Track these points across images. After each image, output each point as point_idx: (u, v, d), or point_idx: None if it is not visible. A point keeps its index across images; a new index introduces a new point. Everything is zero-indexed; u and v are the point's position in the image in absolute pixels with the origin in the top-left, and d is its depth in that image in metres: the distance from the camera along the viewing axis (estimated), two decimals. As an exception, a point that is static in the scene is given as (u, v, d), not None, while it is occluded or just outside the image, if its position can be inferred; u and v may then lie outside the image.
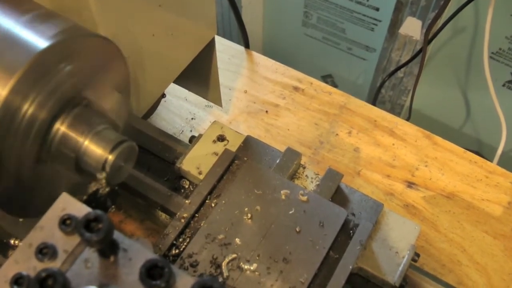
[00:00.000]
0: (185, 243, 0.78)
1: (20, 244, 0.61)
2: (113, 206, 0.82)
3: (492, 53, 1.47)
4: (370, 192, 1.13)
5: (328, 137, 1.22)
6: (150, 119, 1.23)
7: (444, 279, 1.03)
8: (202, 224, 0.79)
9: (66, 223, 0.61)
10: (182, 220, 0.79)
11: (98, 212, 0.55)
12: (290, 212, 0.79)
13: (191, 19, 1.00)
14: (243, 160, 0.85)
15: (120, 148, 0.70)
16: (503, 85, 1.52)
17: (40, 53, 0.63)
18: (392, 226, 0.83)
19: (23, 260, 0.60)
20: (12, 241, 0.77)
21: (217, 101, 1.23)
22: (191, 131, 1.23)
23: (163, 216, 0.94)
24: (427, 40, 1.35)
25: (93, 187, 0.75)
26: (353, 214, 0.82)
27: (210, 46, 1.10)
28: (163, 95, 1.22)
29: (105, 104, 0.74)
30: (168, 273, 0.54)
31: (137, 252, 0.59)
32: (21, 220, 0.75)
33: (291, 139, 1.22)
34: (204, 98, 1.25)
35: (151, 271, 0.55)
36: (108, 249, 0.59)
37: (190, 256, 0.76)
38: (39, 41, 0.64)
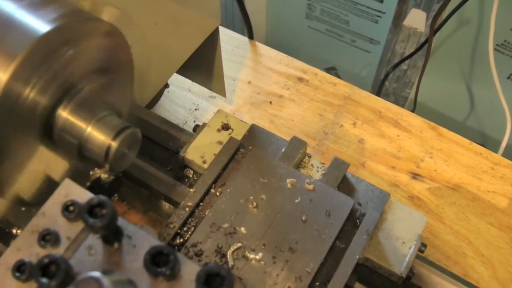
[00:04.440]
0: (189, 232, 0.77)
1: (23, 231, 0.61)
2: (115, 195, 0.81)
3: (497, 45, 1.46)
4: (375, 184, 1.11)
5: (332, 128, 1.21)
6: (154, 110, 1.22)
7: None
8: (206, 213, 0.78)
9: (69, 209, 0.60)
10: (187, 209, 0.78)
11: (102, 197, 0.54)
12: (296, 201, 0.78)
13: (195, 8, 0.99)
14: (248, 148, 0.84)
15: (124, 134, 0.69)
16: (508, 78, 1.51)
17: (41, 37, 0.62)
18: (399, 216, 0.82)
19: (25, 247, 0.59)
20: (14, 231, 0.76)
21: (221, 91, 1.22)
22: (194, 121, 1.22)
23: (166, 206, 0.93)
24: (433, 32, 1.34)
25: (95, 174, 0.74)
26: (359, 204, 0.81)
27: (214, 36, 1.09)
28: (166, 85, 1.22)
29: (108, 90, 0.73)
30: (173, 260, 0.53)
31: (142, 239, 0.58)
32: (23, 209, 0.74)
33: (295, 130, 1.21)
34: (208, 88, 1.24)
35: (155, 258, 0.54)
36: (112, 235, 0.58)
37: (194, 245, 0.75)
38: (40, 25, 0.63)
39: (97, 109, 0.70)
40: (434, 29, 1.33)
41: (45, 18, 0.64)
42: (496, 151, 1.30)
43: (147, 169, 0.85)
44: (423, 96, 1.65)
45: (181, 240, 0.76)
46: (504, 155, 1.25)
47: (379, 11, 1.59)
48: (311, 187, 0.79)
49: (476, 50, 1.52)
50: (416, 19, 1.51)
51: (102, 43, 0.71)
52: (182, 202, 0.79)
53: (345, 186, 0.84)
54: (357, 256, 0.74)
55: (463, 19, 1.47)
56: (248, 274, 0.72)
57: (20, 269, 0.57)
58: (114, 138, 0.68)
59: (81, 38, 0.68)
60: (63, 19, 0.65)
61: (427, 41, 1.39)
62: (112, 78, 0.74)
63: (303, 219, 0.76)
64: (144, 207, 0.98)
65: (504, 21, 1.38)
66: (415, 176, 1.14)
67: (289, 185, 0.79)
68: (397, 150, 1.17)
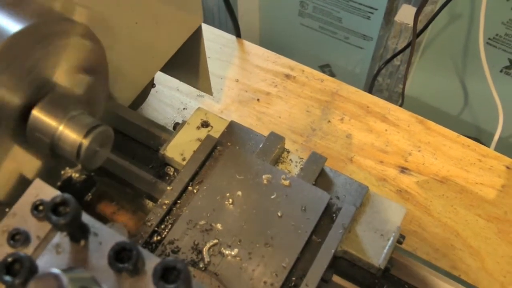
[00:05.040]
0: (166, 230, 0.77)
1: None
2: (89, 194, 0.81)
3: (489, 39, 1.45)
4: (363, 178, 1.12)
5: (320, 124, 1.21)
6: (141, 110, 1.22)
7: (438, 264, 1.02)
8: (184, 210, 0.78)
9: (38, 208, 0.61)
10: (164, 207, 0.78)
11: (65, 195, 0.55)
12: (272, 197, 0.78)
13: (176, 6, 0.99)
14: (225, 145, 0.84)
15: (95, 132, 0.69)
16: (500, 71, 1.50)
17: (12, 36, 0.62)
18: (378, 208, 0.82)
19: (-5, 247, 0.60)
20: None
21: (207, 90, 1.22)
22: (182, 121, 1.22)
23: (150, 204, 0.94)
24: (416, 26, 1.34)
25: (66, 173, 0.74)
26: (338, 198, 0.81)
27: (197, 34, 1.09)
28: (153, 85, 1.22)
29: (80, 88, 0.74)
30: (135, 255, 0.53)
31: (108, 236, 0.59)
32: (7, 210, 0.74)
33: (283, 126, 1.21)
34: (194, 87, 1.24)
35: (120, 255, 0.54)
36: (78, 233, 0.58)
37: (171, 242, 0.75)
38: (11, 25, 0.63)
39: (69, 108, 0.70)
40: (417, 23, 1.33)
41: (16, 17, 0.64)
42: (489, 144, 1.30)
43: (128, 167, 0.85)
44: (416, 91, 1.65)
45: (159, 237, 0.76)
46: (497, 148, 1.25)
47: (371, 8, 1.59)
48: (287, 182, 0.79)
49: (468, 44, 1.52)
50: (407, 15, 1.51)
51: (73, 42, 0.71)
52: (160, 200, 0.79)
53: (323, 180, 0.83)
54: (333, 250, 0.74)
55: (454, 14, 1.47)
56: (224, 270, 0.72)
57: (-12, 268, 0.57)
58: (85, 136, 0.69)
59: (53, 37, 0.68)
60: (35, 19, 0.65)
61: (418, 36, 1.38)
62: (84, 77, 0.74)
63: (279, 214, 0.76)
64: (133, 207, 0.98)
65: (495, 14, 1.37)
66: (403, 170, 1.14)
67: (265, 181, 0.79)
68: (385, 144, 1.17)
